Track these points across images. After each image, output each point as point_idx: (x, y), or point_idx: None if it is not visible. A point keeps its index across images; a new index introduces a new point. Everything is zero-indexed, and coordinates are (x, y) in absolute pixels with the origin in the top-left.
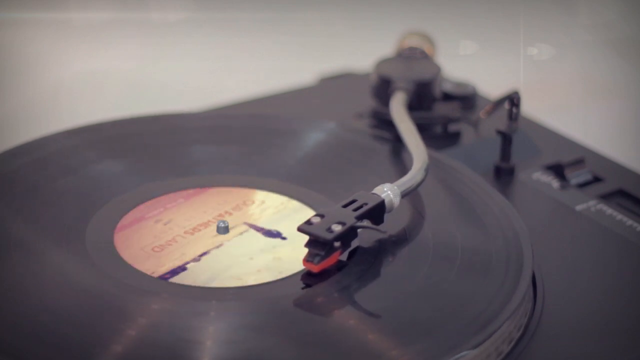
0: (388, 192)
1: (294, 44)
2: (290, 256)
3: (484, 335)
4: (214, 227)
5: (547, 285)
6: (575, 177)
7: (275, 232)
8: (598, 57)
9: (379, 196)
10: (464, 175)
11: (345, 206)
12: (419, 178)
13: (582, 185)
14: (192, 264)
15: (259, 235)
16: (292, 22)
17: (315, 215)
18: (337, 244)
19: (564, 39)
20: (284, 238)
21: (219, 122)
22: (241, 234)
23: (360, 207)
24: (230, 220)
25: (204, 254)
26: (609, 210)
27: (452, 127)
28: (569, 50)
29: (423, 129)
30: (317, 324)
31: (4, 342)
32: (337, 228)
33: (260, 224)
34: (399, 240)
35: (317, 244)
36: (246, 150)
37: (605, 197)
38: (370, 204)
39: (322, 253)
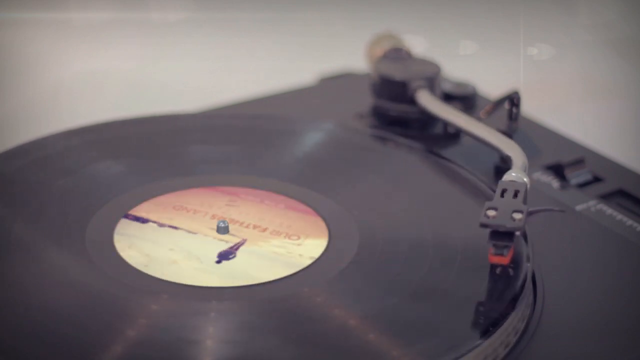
0: (521, 176)
1: (294, 44)
2: (185, 270)
3: (484, 335)
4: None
5: (547, 285)
6: (575, 177)
7: (230, 257)
8: (598, 57)
9: (522, 181)
10: (463, 174)
11: (502, 195)
12: (525, 160)
13: (582, 185)
14: (154, 225)
15: (222, 247)
16: (292, 22)
17: (489, 209)
18: (517, 232)
19: (564, 39)
20: (218, 262)
21: (219, 122)
22: (221, 240)
23: (516, 193)
24: (245, 232)
25: (173, 227)
26: (609, 210)
27: (452, 127)
28: (569, 50)
29: (423, 127)
30: (317, 324)
31: (4, 342)
32: (519, 216)
33: (248, 247)
34: (399, 240)
35: (501, 236)
36: (246, 150)
37: (605, 197)
38: (522, 189)
39: (510, 243)
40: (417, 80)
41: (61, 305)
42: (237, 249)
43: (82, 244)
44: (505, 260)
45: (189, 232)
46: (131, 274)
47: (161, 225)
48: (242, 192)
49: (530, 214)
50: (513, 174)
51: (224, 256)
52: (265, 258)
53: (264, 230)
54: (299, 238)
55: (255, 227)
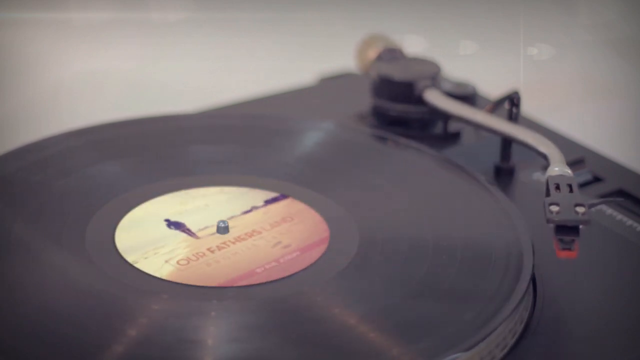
0: (565, 169)
1: (294, 44)
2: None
3: (484, 334)
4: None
5: (547, 285)
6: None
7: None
8: (598, 57)
9: (570, 174)
10: (464, 174)
11: (557, 189)
12: (560, 152)
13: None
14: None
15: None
16: (292, 22)
17: (552, 205)
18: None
19: (564, 39)
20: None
21: (219, 122)
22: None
23: (570, 187)
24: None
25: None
26: (609, 210)
27: (453, 126)
28: (569, 50)
29: (423, 127)
30: (317, 324)
31: (4, 342)
32: (582, 209)
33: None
34: (399, 240)
35: (566, 230)
36: (246, 150)
37: (605, 197)
38: (574, 182)
39: (577, 237)
40: (424, 80)
41: (61, 305)
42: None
43: (82, 244)
44: (573, 254)
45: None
46: (131, 273)
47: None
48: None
49: (590, 206)
50: (556, 169)
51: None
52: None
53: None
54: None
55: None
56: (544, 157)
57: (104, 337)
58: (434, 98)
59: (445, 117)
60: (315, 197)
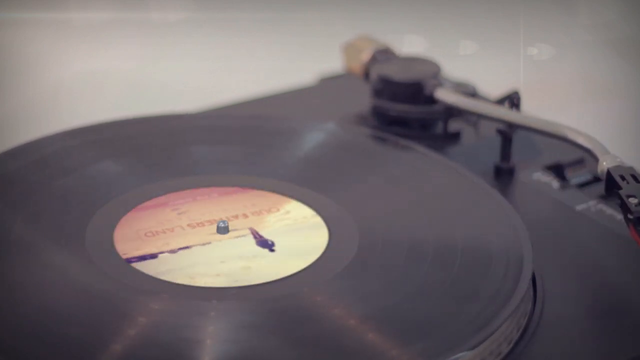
0: (618, 159)
1: (294, 44)
2: (261, 268)
3: (484, 335)
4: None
5: (547, 285)
6: (575, 177)
7: (269, 243)
8: (598, 57)
9: (627, 165)
10: (463, 175)
11: (624, 180)
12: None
13: (582, 185)
14: (166, 254)
15: (252, 242)
16: (292, 22)
17: (630, 197)
18: None
19: (564, 39)
20: (272, 250)
21: (219, 122)
22: (237, 237)
23: (634, 177)
24: (238, 223)
25: (185, 247)
26: (609, 210)
27: (453, 126)
28: (569, 50)
29: (423, 127)
30: (317, 324)
31: (4, 342)
32: None
33: (263, 232)
34: (399, 240)
35: None
36: (246, 150)
37: (606, 197)
38: (635, 172)
39: None
40: (432, 79)
41: (61, 305)
42: (261, 236)
43: (82, 244)
44: None
45: (192, 225)
46: (131, 273)
47: (173, 251)
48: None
49: None
50: (609, 160)
51: (265, 244)
52: (291, 229)
53: (257, 213)
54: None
55: (244, 216)
56: (586, 149)
57: (104, 337)
58: (447, 96)
59: (446, 116)
60: (315, 197)
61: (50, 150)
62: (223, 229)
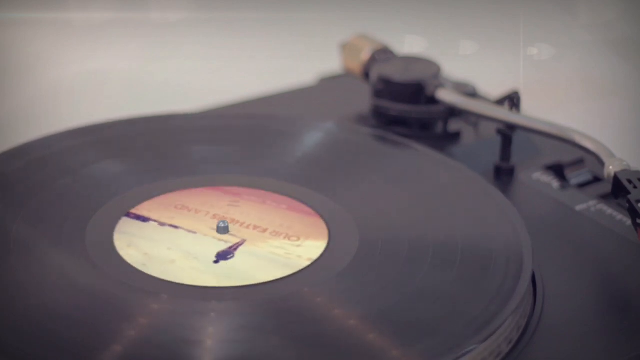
0: (624, 163)
1: (294, 44)
2: (183, 268)
3: (484, 335)
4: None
5: (547, 285)
6: (575, 177)
7: (228, 257)
8: (598, 57)
9: (634, 169)
10: (463, 174)
11: (630, 184)
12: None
13: (582, 185)
14: (155, 224)
15: (220, 249)
16: (292, 22)
17: (639, 202)
18: None
19: (564, 39)
20: (216, 262)
21: (219, 122)
22: (219, 240)
23: None
24: (243, 232)
25: (173, 226)
26: (609, 210)
27: (453, 126)
28: (569, 50)
29: (423, 127)
30: (317, 324)
31: (4, 342)
32: None
33: (248, 248)
34: (399, 240)
35: None
36: (246, 150)
37: (605, 197)
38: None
39: None
40: (434, 79)
41: (61, 305)
42: (235, 249)
43: (82, 244)
44: None
45: (189, 231)
46: (131, 274)
47: (162, 224)
48: (245, 192)
49: None
50: (616, 164)
51: (222, 256)
52: (264, 259)
53: (264, 231)
54: (298, 239)
55: (255, 227)
56: (592, 153)
57: (104, 337)
58: (449, 97)
59: (447, 116)
60: (315, 197)
61: (50, 150)
62: (223, 229)
